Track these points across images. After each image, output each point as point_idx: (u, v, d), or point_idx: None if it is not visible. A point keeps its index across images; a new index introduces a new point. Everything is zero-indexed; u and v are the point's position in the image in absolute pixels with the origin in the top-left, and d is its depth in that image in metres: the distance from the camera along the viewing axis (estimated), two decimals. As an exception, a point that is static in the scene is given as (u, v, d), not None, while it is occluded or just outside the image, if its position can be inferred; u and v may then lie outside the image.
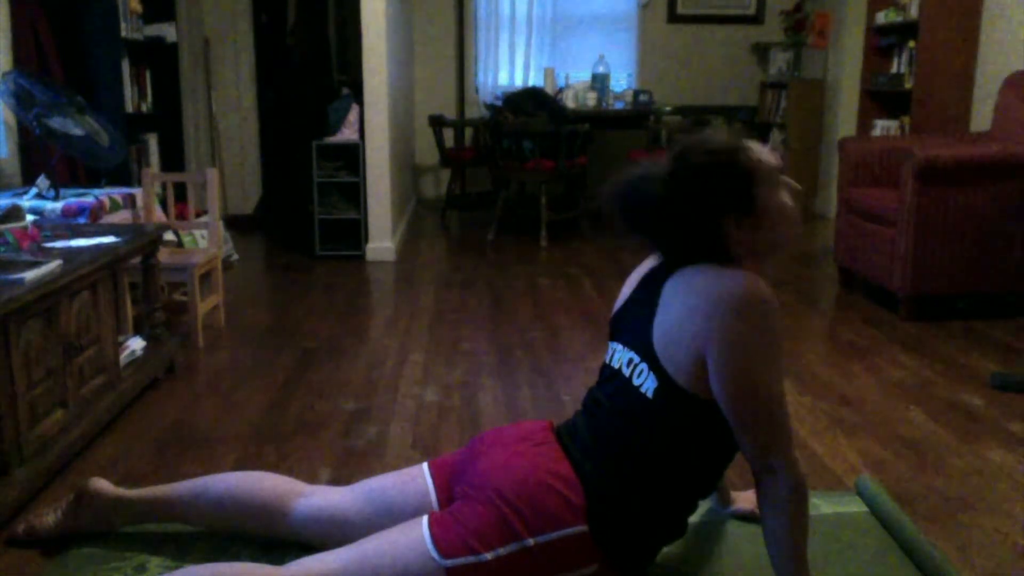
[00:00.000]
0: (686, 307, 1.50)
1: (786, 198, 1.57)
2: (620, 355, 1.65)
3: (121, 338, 2.79)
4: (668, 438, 1.55)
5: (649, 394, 1.54)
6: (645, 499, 1.55)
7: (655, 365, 1.53)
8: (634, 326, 1.61)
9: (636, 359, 1.58)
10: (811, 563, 1.52)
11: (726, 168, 1.53)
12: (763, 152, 1.56)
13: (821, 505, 2.08)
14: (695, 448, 1.57)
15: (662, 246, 1.62)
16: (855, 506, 2.07)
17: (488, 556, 1.48)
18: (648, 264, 1.71)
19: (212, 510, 1.81)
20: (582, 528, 1.51)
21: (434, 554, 1.50)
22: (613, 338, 1.71)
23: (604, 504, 1.53)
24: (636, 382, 1.57)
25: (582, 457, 1.59)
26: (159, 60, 4.91)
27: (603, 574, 1.54)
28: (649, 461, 1.55)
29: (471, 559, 1.48)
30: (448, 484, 1.71)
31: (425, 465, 1.77)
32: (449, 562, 1.49)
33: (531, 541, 1.49)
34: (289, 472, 2.21)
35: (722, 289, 1.47)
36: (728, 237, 1.54)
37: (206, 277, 3.67)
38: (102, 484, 1.91)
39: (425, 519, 1.56)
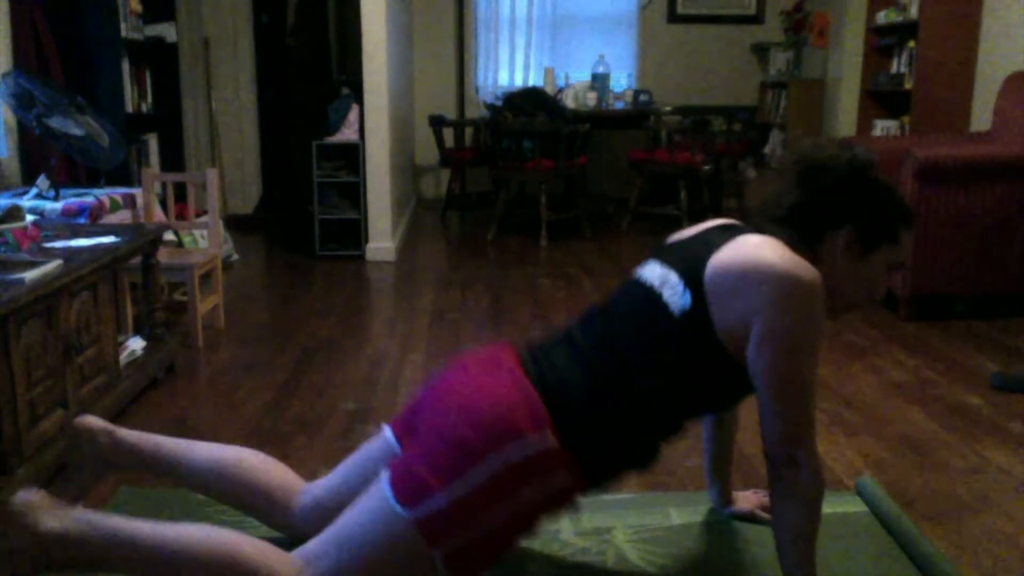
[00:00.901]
0: (755, 261, 1.46)
1: (883, 281, 1.59)
2: (656, 271, 1.59)
3: (121, 338, 2.79)
4: (671, 362, 1.51)
5: (676, 312, 1.50)
6: (619, 414, 1.51)
7: (697, 288, 1.49)
8: (689, 253, 1.57)
9: (675, 277, 1.54)
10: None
11: (897, 203, 1.57)
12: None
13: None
14: (691, 384, 1.54)
15: (784, 207, 1.58)
16: (855, 506, 2.08)
17: (445, 495, 1.41)
18: (723, 220, 1.69)
19: (215, 481, 1.75)
20: (544, 434, 1.46)
21: (396, 507, 1.43)
22: (655, 256, 1.65)
23: (568, 411, 1.49)
24: (666, 296, 1.52)
25: (550, 369, 1.55)
26: (159, 60, 4.91)
27: (571, 486, 1.50)
28: (641, 376, 1.51)
29: (433, 502, 1.42)
30: (409, 431, 1.64)
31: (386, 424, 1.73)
32: (412, 512, 1.42)
33: (492, 457, 1.43)
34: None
35: (795, 269, 1.45)
36: (831, 241, 1.55)
37: (206, 277, 3.67)
38: (91, 419, 1.79)
39: (385, 474, 1.50)
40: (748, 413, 2.71)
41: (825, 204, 1.55)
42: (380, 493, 1.47)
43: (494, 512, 1.44)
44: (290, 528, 1.74)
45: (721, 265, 1.49)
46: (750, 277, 1.45)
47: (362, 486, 1.60)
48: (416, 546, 1.44)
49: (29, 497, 1.49)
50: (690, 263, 1.54)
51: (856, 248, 1.55)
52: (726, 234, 1.57)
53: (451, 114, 7.06)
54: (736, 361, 1.51)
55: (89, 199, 3.27)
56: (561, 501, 1.52)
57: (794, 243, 1.54)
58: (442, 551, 1.44)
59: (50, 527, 1.45)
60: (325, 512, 1.67)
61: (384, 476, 1.50)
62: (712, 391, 1.57)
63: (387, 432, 1.70)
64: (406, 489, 1.45)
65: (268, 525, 1.77)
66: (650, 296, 1.56)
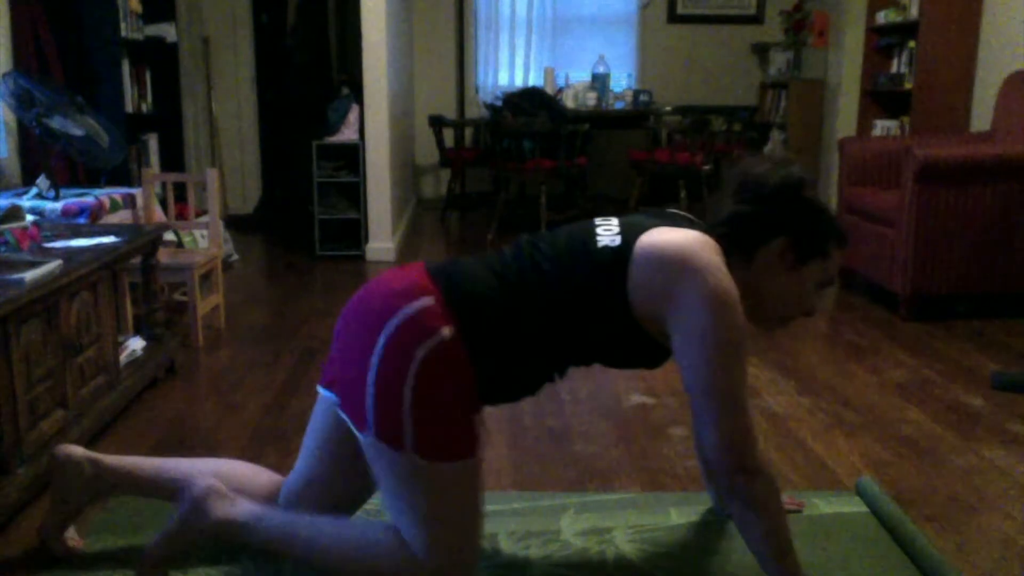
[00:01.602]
0: (688, 255, 1.49)
1: (815, 296, 1.63)
2: (599, 219, 1.66)
3: (121, 338, 2.79)
4: (575, 287, 1.54)
5: (600, 244, 1.55)
6: (516, 321, 1.54)
7: (627, 242, 1.54)
8: (637, 217, 1.63)
9: (615, 222, 1.61)
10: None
11: (829, 221, 1.63)
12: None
13: (821, 505, 2.08)
14: (586, 321, 1.55)
15: (723, 215, 1.64)
16: (855, 506, 2.08)
17: (369, 392, 1.48)
18: (679, 211, 1.74)
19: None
20: (429, 299, 1.51)
21: (366, 438, 1.50)
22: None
23: (468, 304, 1.53)
24: (599, 230, 1.59)
25: (456, 270, 1.59)
26: (159, 60, 4.91)
27: (455, 346, 1.50)
28: (546, 289, 1.54)
29: (367, 409, 1.48)
30: (331, 369, 1.67)
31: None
32: (370, 432, 1.49)
33: (382, 333, 1.49)
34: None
35: (721, 275, 1.49)
36: (765, 251, 1.59)
37: (206, 277, 3.67)
38: (71, 448, 1.84)
39: (360, 434, 1.53)
40: (748, 413, 2.71)
41: (759, 214, 1.60)
42: (369, 448, 1.52)
43: (405, 383, 1.47)
44: None
45: (658, 240, 1.52)
46: (677, 266, 1.49)
47: (327, 457, 1.68)
48: (396, 458, 1.48)
49: (205, 485, 1.65)
50: (634, 223, 1.60)
51: (789, 260, 1.60)
52: (676, 219, 1.63)
53: (451, 114, 7.06)
54: (637, 327, 1.55)
55: (89, 199, 3.27)
56: (450, 355, 1.50)
57: (730, 250, 1.59)
58: (407, 445, 1.47)
59: (220, 515, 1.62)
60: (306, 500, 1.71)
61: (360, 436, 1.53)
62: (604, 340, 1.59)
63: (321, 391, 1.71)
64: (356, 419, 1.52)
65: None
66: (586, 226, 1.63)
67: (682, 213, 1.70)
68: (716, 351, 1.47)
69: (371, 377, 1.49)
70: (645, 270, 1.51)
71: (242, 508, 1.64)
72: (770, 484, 1.51)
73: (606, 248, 1.55)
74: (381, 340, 1.49)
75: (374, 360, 1.49)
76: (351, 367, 1.54)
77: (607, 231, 1.58)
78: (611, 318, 1.54)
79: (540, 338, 1.56)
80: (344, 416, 1.56)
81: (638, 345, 1.58)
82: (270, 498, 1.77)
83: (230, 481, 1.77)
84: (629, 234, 1.55)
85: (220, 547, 1.65)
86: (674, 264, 1.49)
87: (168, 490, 1.78)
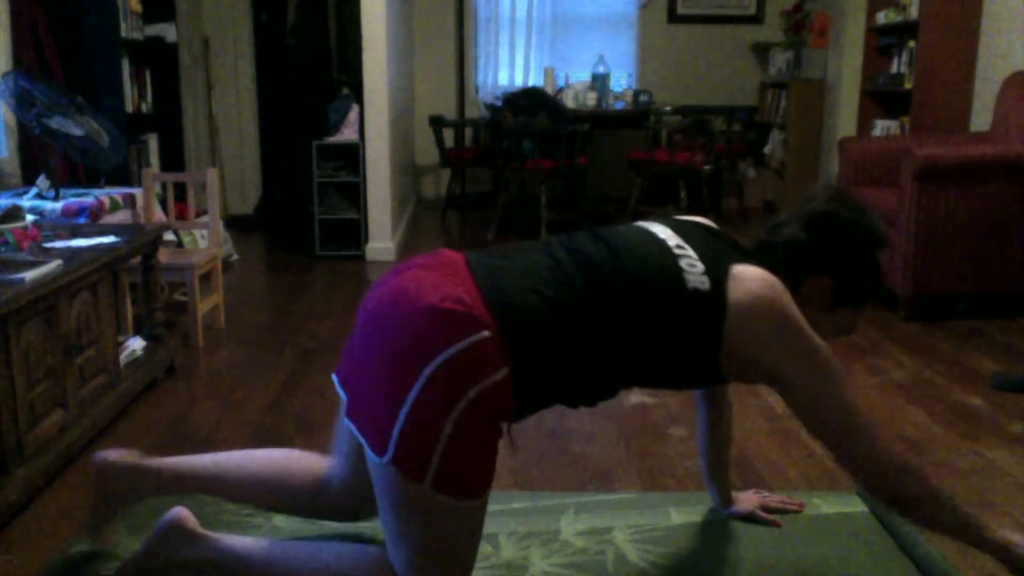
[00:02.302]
0: (780, 310, 1.50)
1: (830, 339, 1.61)
2: (670, 234, 1.59)
3: (121, 338, 2.79)
4: (649, 321, 1.48)
5: (689, 285, 1.50)
6: (564, 336, 1.45)
7: (718, 282, 1.50)
8: (706, 246, 1.58)
9: (694, 256, 1.54)
10: (812, 563, 1.53)
11: (878, 281, 1.64)
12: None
13: (821, 505, 2.08)
14: (649, 353, 1.51)
15: (781, 238, 1.63)
16: (855, 506, 2.08)
17: (397, 423, 1.36)
18: (705, 221, 1.71)
19: (243, 491, 1.75)
20: (486, 334, 1.39)
21: (376, 459, 1.39)
22: (661, 222, 1.65)
23: (514, 314, 1.43)
24: (683, 263, 1.52)
25: (506, 272, 1.49)
26: (159, 60, 4.91)
27: (507, 388, 1.41)
28: (606, 313, 1.47)
29: (392, 436, 1.37)
30: (348, 368, 1.55)
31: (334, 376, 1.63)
32: (385, 457, 1.39)
33: (427, 370, 1.36)
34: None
35: (805, 328, 1.51)
36: (812, 282, 1.60)
37: (206, 277, 3.67)
38: (112, 453, 1.81)
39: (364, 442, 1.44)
40: (746, 413, 2.72)
41: (823, 250, 1.60)
42: (380, 470, 1.43)
43: (448, 419, 1.37)
44: (331, 509, 1.72)
45: (752, 292, 1.50)
46: (776, 324, 1.50)
47: (353, 455, 1.64)
48: (408, 487, 1.40)
49: (173, 519, 1.62)
50: (711, 258, 1.54)
51: (827, 299, 1.61)
52: (731, 244, 1.61)
53: (451, 114, 7.06)
54: (717, 367, 1.53)
55: (89, 199, 3.27)
56: (499, 397, 1.41)
57: (778, 272, 1.58)
58: (427, 479, 1.39)
59: (186, 555, 1.59)
60: (351, 483, 1.67)
61: (372, 456, 1.44)
62: (667, 372, 1.55)
63: (335, 380, 1.60)
64: (372, 439, 1.41)
65: (307, 516, 1.78)
66: (664, 250, 1.54)
67: (721, 231, 1.66)
68: (829, 399, 1.50)
69: (407, 405, 1.37)
70: (745, 323, 1.49)
71: (211, 544, 1.59)
72: (926, 491, 1.52)
73: (697, 292, 1.49)
74: (427, 371, 1.36)
75: (415, 390, 1.37)
76: (378, 384, 1.41)
77: (692, 268, 1.51)
78: (696, 360, 1.52)
79: (596, 372, 1.51)
80: (353, 428, 1.46)
81: (707, 378, 1.57)
82: (314, 482, 1.72)
83: (282, 472, 1.72)
84: (714, 273, 1.51)
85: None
86: (773, 322, 1.49)
87: (200, 486, 1.77)
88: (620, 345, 1.48)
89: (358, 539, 1.83)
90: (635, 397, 2.81)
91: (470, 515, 1.45)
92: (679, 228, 1.62)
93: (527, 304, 1.44)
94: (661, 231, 1.60)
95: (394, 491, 1.42)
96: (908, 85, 5.14)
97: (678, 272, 1.50)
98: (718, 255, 1.55)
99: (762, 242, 1.64)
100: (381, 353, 1.42)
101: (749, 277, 1.52)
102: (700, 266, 1.52)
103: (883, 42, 5.61)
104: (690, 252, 1.54)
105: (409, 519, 1.43)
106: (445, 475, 1.39)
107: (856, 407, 1.52)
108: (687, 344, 1.51)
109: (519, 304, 1.44)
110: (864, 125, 5.74)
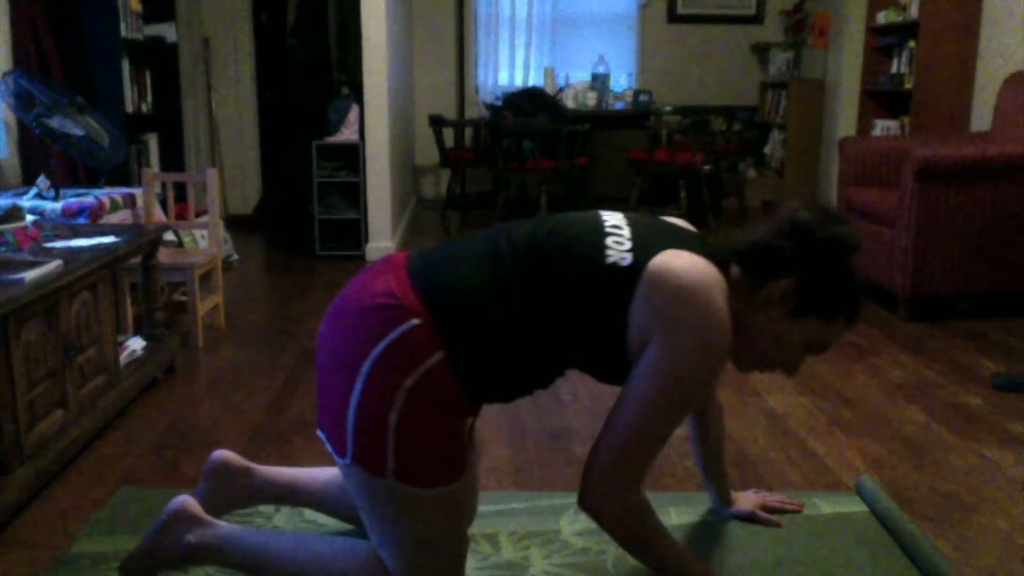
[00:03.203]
0: (692, 289, 1.42)
1: (800, 354, 1.56)
2: (617, 217, 1.57)
3: (121, 338, 2.79)
4: (576, 308, 1.46)
5: (608, 262, 1.45)
6: (505, 316, 1.46)
7: (639, 262, 1.45)
8: (648, 229, 1.53)
9: (627, 235, 1.50)
10: (812, 563, 1.52)
11: (851, 292, 1.54)
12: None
13: (821, 505, 2.08)
14: (577, 337, 1.48)
15: (748, 240, 1.57)
16: (855, 506, 2.08)
17: (347, 423, 1.43)
18: (683, 224, 1.67)
19: (337, 506, 1.84)
20: (415, 321, 1.42)
21: (343, 462, 1.46)
22: (622, 211, 1.62)
23: (445, 301, 1.45)
24: (608, 246, 1.48)
25: (443, 264, 1.51)
26: (159, 60, 4.91)
27: (444, 371, 1.43)
28: (541, 310, 1.46)
29: (345, 433, 1.44)
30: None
31: None
32: (347, 459, 1.46)
33: (365, 365, 1.42)
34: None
35: (721, 318, 1.42)
36: (773, 285, 1.51)
37: (206, 277, 3.67)
38: (228, 454, 1.85)
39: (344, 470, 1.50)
40: (746, 413, 2.72)
41: (787, 250, 1.52)
42: (348, 473, 1.49)
43: (391, 411, 1.41)
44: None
45: (670, 268, 1.43)
46: (680, 302, 1.41)
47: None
48: (375, 483, 1.44)
49: (178, 506, 1.64)
50: (647, 240, 1.50)
51: (789, 304, 1.51)
52: (688, 238, 1.54)
53: (451, 114, 7.06)
54: (623, 348, 1.47)
55: (89, 199, 3.27)
56: (439, 382, 1.43)
57: (740, 276, 1.54)
58: (389, 472, 1.43)
59: (189, 541, 1.61)
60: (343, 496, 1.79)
61: (339, 460, 1.51)
62: (592, 354, 1.52)
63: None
64: (334, 444, 1.48)
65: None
66: (596, 230, 1.52)
67: (692, 229, 1.63)
68: (665, 395, 1.42)
69: (352, 403, 1.43)
70: (649, 296, 1.43)
71: (213, 531, 1.62)
72: (639, 518, 1.47)
73: (615, 267, 1.45)
74: (365, 367, 1.42)
75: (357, 388, 1.42)
76: (330, 390, 1.48)
77: (618, 244, 1.48)
78: (604, 334, 1.47)
79: (531, 351, 1.49)
80: (322, 437, 1.52)
81: (618, 363, 1.51)
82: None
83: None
84: (641, 254, 1.46)
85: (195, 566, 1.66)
86: (678, 299, 1.41)
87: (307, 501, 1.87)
88: (543, 323, 1.47)
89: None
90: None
91: (443, 502, 1.48)
92: (633, 217, 1.59)
93: (456, 288, 1.47)
94: (610, 216, 1.57)
95: (364, 490, 1.47)
96: (908, 85, 5.15)
97: (601, 248, 1.48)
98: (660, 241, 1.49)
99: (731, 248, 1.58)
100: (328, 361, 1.50)
101: (676, 258, 1.45)
102: (628, 244, 1.48)
103: (883, 42, 5.61)
104: (624, 233, 1.51)
105: (384, 515, 1.48)
106: (404, 466, 1.43)
107: (659, 430, 1.43)
108: (597, 315, 1.46)
109: (448, 288, 1.47)
110: (864, 125, 5.74)
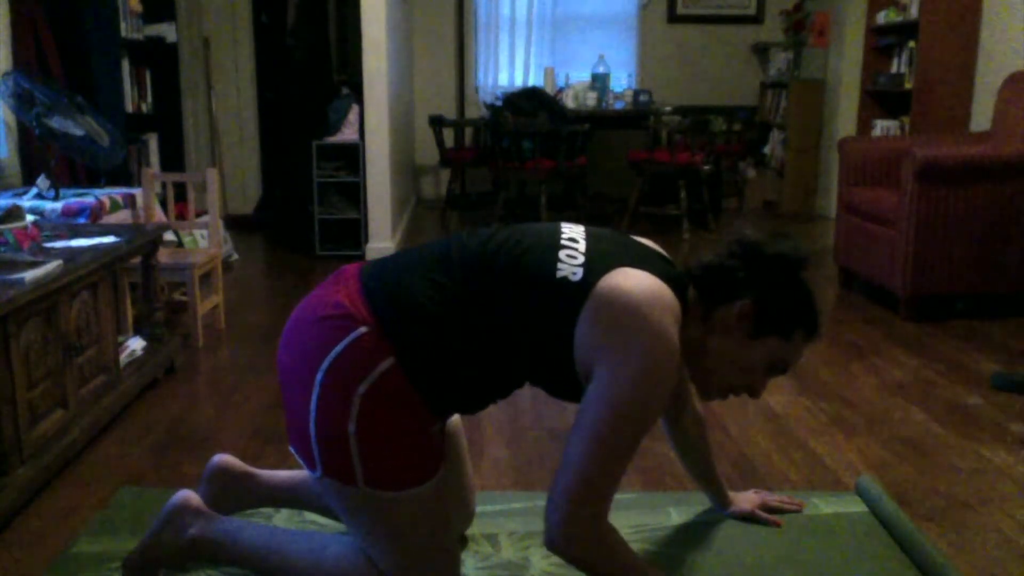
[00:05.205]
0: (636, 311, 1.39)
1: (762, 376, 1.54)
2: (577, 231, 1.55)
3: (121, 338, 2.79)
4: (525, 323, 1.45)
5: (559, 276, 1.44)
6: (455, 348, 1.46)
7: (588, 280, 1.42)
8: (605, 245, 1.52)
9: (581, 249, 1.48)
10: (812, 563, 1.52)
11: (808, 308, 1.53)
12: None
13: (821, 505, 2.08)
14: (526, 351, 1.47)
15: (701, 264, 1.57)
16: (855, 506, 2.08)
17: (312, 435, 1.45)
18: (648, 242, 1.66)
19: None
20: (363, 329, 1.43)
21: (316, 475, 1.48)
22: (586, 224, 1.62)
23: (393, 307, 1.46)
24: (561, 260, 1.46)
25: (395, 272, 1.51)
26: (159, 60, 4.91)
27: (398, 375, 1.44)
28: (490, 323, 1.45)
29: (312, 444, 1.46)
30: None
31: None
32: (319, 471, 1.47)
33: (317, 377, 1.44)
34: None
35: (668, 337, 1.39)
36: (728, 308, 1.50)
37: (206, 277, 3.67)
38: (228, 459, 1.85)
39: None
40: (746, 413, 2.72)
41: (738, 270, 1.51)
42: (323, 485, 1.51)
43: (348, 420, 1.43)
44: None
45: (619, 286, 1.41)
46: (625, 321, 1.38)
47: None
48: (348, 492, 1.47)
49: (181, 500, 1.65)
50: (600, 257, 1.47)
51: (747, 326, 1.50)
52: (647, 257, 1.52)
53: (451, 114, 7.06)
54: (571, 365, 1.45)
55: (89, 199, 3.27)
56: (392, 387, 1.44)
57: (697, 300, 1.53)
58: (359, 480, 1.45)
59: (192, 534, 1.62)
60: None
61: (311, 474, 1.53)
62: (541, 370, 1.51)
63: None
64: (304, 458, 1.50)
65: None
66: (551, 243, 1.50)
67: (656, 249, 1.61)
68: (614, 426, 1.37)
69: (312, 417, 1.45)
70: (595, 314, 1.40)
71: (216, 525, 1.63)
72: (609, 554, 1.42)
73: (565, 281, 1.43)
74: (318, 379, 1.44)
75: (313, 400, 1.44)
76: (291, 406, 1.50)
77: (570, 259, 1.46)
78: (550, 350, 1.45)
79: (479, 360, 1.48)
80: (294, 452, 1.54)
81: (567, 380, 1.48)
82: None
83: None
84: (592, 272, 1.44)
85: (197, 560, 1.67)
86: (623, 319, 1.38)
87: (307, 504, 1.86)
88: (490, 333, 1.46)
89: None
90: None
91: (419, 502, 1.49)
92: (595, 232, 1.57)
93: (403, 296, 1.47)
94: (569, 229, 1.56)
95: (341, 500, 1.49)
96: (908, 85, 5.15)
97: (553, 262, 1.46)
98: (615, 259, 1.47)
99: (685, 271, 1.57)
100: (285, 377, 1.52)
101: (627, 278, 1.43)
102: (580, 259, 1.46)
103: (883, 42, 5.61)
104: (579, 247, 1.50)
105: (363, 521, 1.50)
106: (373, 472, 1.45)
107: (615, 459, 1.39)
108: (545, 330, 1.44)
109: (395, 296, 1.47)
110: (864, 125, 5.74)
